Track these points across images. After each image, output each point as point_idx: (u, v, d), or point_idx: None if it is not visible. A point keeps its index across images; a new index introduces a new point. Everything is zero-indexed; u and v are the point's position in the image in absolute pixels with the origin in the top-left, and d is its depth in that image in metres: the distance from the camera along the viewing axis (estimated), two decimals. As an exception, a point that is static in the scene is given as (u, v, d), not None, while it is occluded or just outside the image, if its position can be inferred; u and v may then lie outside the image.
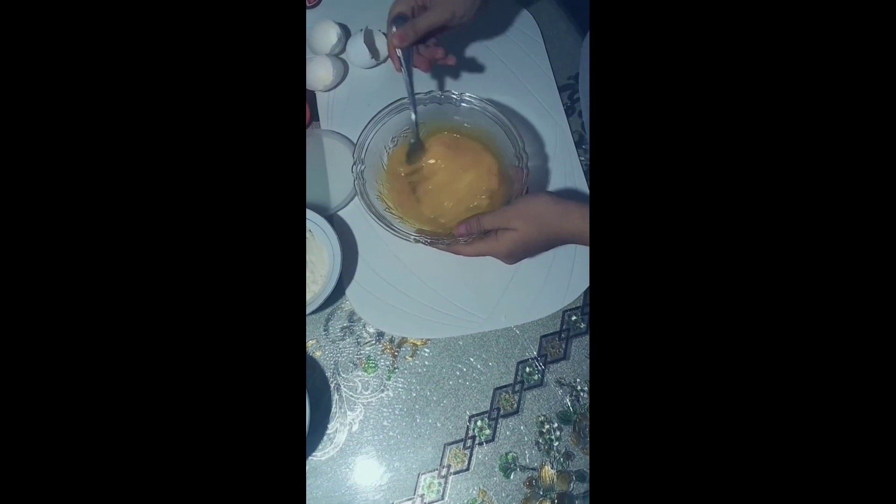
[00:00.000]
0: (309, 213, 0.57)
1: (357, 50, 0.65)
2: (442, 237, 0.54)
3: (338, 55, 0.67)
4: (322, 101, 0.66)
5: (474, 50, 0.69)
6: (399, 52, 0.56)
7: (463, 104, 0.57)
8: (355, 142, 0.56)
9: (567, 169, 0.63)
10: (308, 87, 0.66)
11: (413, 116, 0.57)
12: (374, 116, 0.57)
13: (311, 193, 0.61)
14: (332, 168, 0.63)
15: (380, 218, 0.53)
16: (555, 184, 0.63)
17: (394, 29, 0.55)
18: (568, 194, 0.61)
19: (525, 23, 0.71)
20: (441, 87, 0.66)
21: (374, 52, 0.65)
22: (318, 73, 0.64)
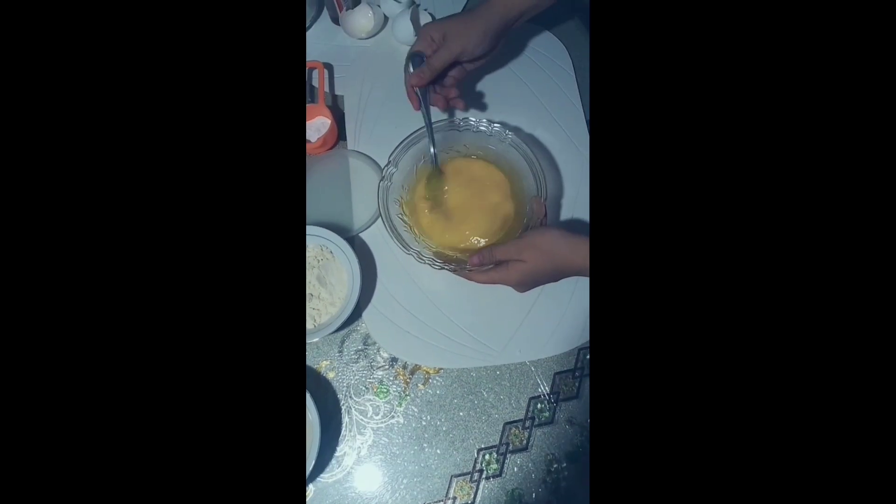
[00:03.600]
0: (330, 235, 0.57)
1: (403, 27, 0.66)
2: (457, 263, 0.54)
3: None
4: (350, 121, 0.66)
5: (504, 78, 0.69)
6: (417, 90, 0.57)
7: (482, 129, 0.57)
8: (386, 161, 0.57)
9: (586, 200, 0.63)
10: (349, 34, 0.69)
11: (431, 149, 0.57)
12: (406, 139, 0.57)
13: (334, 214, 0.61)
14: (356, 189, 0.63)
15: (398, 237, 0.54)
16: (570, 214, 0.63)
17: (411, 69, 0.57)
18: (583, 225, 0.61)
19: (557, 54, 0.71)
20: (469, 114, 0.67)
21: (418, 29, 0.66)
22: (360, 21, 0.66)
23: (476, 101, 0.68)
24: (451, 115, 0.64)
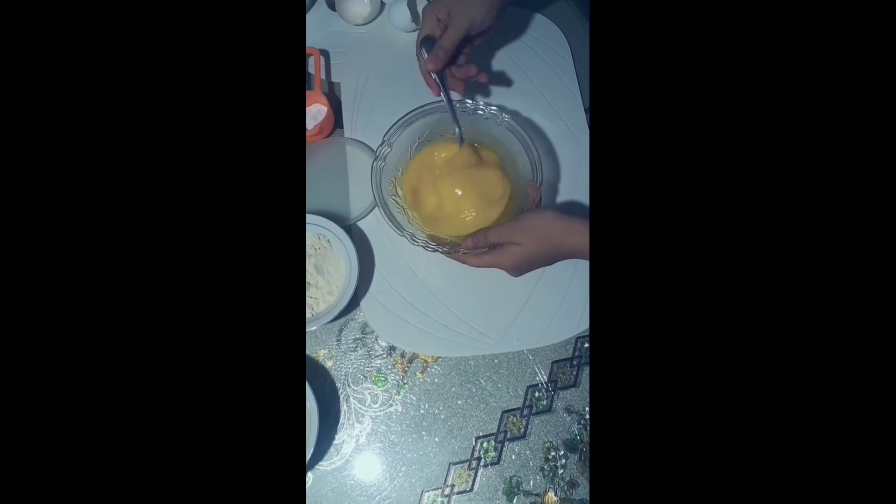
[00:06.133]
0: (327, 223, 0.57)
1: (400, 13, 0.66)
2: (451, 246, 0.54)
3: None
4: (347, 109, 0.66)
5: (502, 65, 0.69)
6: (434, 75, 0.56)
7: (478, 112, 0.57)
8: (380, 141, 0.56)
9: (583, 186, 0.63)
10: (345, 20, 0.69)
11: (457, 130, 0.57)
12: (401, 118, 0.57)
13: (331, 202, 0.61)
14: (353, 177, 0.62)
15: (391, 218, 0.54)
16: (565, 199, 0.63)
17: (424, 54, 0.56)
18: (579, 208, 0.61)
19: (555, 40, 0.70)
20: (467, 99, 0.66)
21: (415, 16, 0.66)
22: (357, 7, 0.67)
23: (473, 87, 0.67)
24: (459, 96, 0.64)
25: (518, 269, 0.53)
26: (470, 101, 0.57)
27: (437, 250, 0.53)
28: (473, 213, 0.56)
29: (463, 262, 0.54)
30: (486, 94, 0.67)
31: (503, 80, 0.68)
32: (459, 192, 0.56)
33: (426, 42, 0.56)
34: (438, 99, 0.58)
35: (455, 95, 0.59)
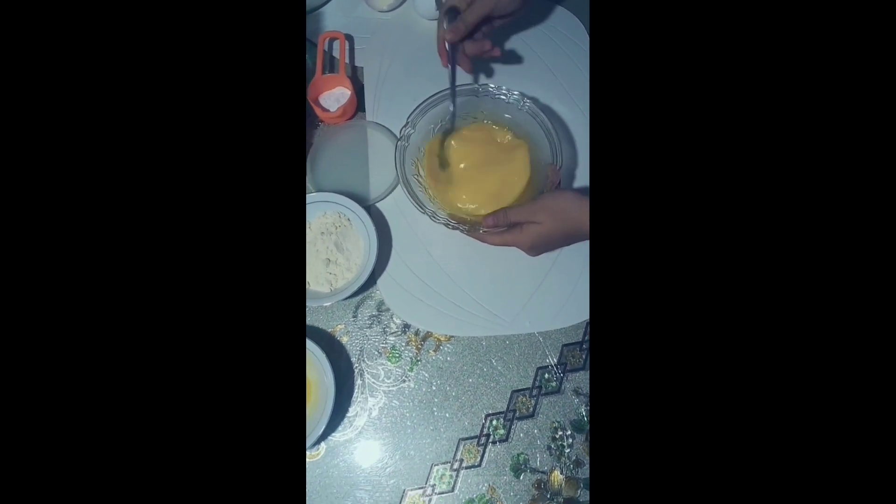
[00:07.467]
0: (348, 202, 0.58)
1: (424, 1, 0.67)
2: (471, 224, 0.55)
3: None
4: (369, 93, 0.67)
5: (521, 53, 0.70)
6: (447, 46, 0.58)
7: (500, 96, 0.58)
8: (403, 123, 0.58)
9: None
10: (370, 6, 0.70)
11: (451, 107, 0.59)
12: (424, 101, 0.59)
13: (351, 183, 0.63)
14: (374, 159, 0.64)
15: (414, 197, 0.55)
16: (583, 185, 0.64)
17: (445, 23, 0.57)
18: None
19: (574, 30, 0.71)
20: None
21: (439, 4, 0.67)
22: None
23: (494, 74, 0.68)
24: (475, 79, 0.65)
25: (536, 248, 0.54)
26: (493, 86, 0.58)
27: (457, 228, 0.54)
28: (493, 188, 0.57)
29: (482, 241, 0.55)
30: (508, 81, 0.68)
31: (524, 68, 0.69)
32: (479, 166, 0.58)
33: (450, 13, 0.57)
34: (463, 83, 0.59)
35: (467, 78, 0.60)
